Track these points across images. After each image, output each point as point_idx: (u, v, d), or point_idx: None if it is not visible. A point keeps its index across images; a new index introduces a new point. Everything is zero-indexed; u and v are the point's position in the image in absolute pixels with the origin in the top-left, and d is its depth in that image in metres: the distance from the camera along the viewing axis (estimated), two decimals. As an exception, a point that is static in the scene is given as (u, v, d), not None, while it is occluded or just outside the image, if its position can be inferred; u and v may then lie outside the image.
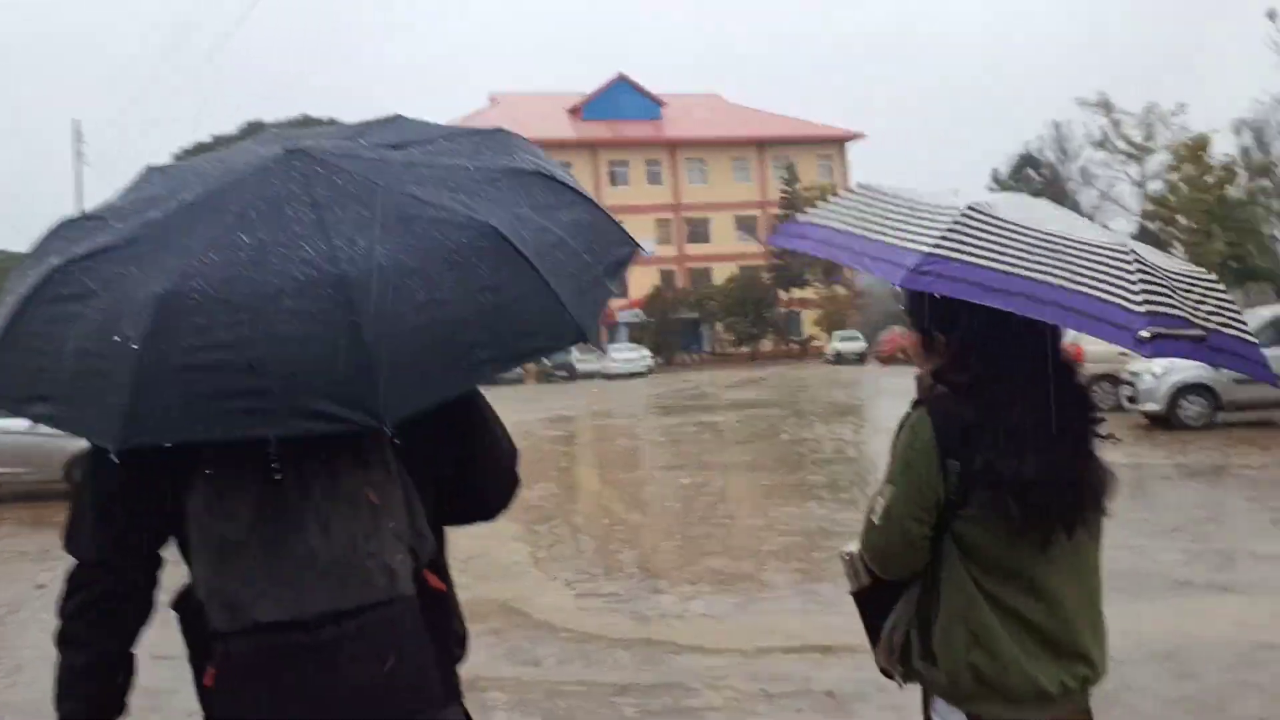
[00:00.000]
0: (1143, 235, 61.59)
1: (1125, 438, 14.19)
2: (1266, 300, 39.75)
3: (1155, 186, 60.24)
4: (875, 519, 2.00)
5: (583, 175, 67.61)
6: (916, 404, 2.03)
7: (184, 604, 1.65)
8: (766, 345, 62.60)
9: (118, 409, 1.40)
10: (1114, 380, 17.77)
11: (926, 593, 2.01)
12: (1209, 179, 42.15)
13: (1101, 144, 61.86)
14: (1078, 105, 64.44)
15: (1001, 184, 70.92)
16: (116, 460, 1.41)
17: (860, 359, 48.94)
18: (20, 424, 13.92)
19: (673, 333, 60.96)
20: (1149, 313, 1.79)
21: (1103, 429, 2.04)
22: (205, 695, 1.62)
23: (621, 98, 70.57)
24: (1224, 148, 46.89)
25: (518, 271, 1.52)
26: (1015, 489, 1.89)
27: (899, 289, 1.94)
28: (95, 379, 1.44)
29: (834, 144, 72.57)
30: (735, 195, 69.11)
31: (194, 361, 1.41)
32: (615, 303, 65.13)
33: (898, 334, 47.20)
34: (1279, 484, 9.78)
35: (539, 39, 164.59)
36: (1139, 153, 60.48)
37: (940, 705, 2.03)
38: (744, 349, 62.23)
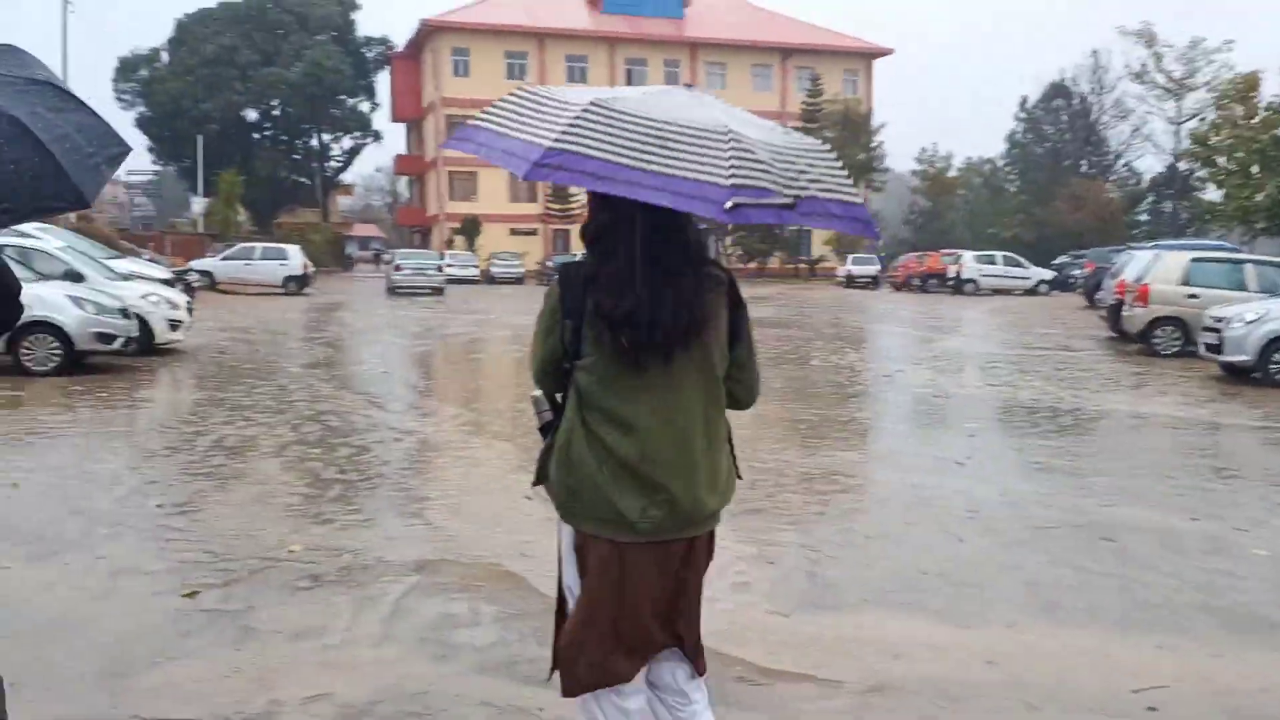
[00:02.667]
0: (1173, 176, 59.50)
1: (1205, 392, 12.51)
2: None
3: (1192, 125, 57.84)
4: (530, 348, 2.57)
5: (598, 70, 65.08)
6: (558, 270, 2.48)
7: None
8: (773, 263, 60.74)
9: None
10: (1180, 324, 16.13)
11: (557, 428, 2.46)
12: (1255, 121, 39.73)
13: (1139, 77, 59.24)
14: (1119, 35, 61.76)
15: (1029, 113, 68.33)
16: None
17: (873, 283, 47.16)
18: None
19: (679, 243, 58.96)
20: (734, 185, 2.10)
21: (715, 274, 2.43)
22: None
23: (643, -9, 67.30)
24: (1271, 89, 44.46)
25: (37, 152, 2.07)
26: (615, 321, 2.28)
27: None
28: None
29: (861, 58, 69.64)
30: (754, 104, 65.78)
31: None
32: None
33: (913, 260, 45.67)
34: None
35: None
36: (1178, 89, 57.93)
37: (560, 524, 2.52)
38: (752, 265, 60.38)
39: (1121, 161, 64.48)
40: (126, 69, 67.42)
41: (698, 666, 2.54)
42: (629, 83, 64.48)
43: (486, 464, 7.69)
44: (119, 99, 68.04)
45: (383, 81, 72.51)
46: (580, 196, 60.70)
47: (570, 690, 2.46)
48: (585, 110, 2.18)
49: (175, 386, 12.07)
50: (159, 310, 14.44)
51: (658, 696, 2.54)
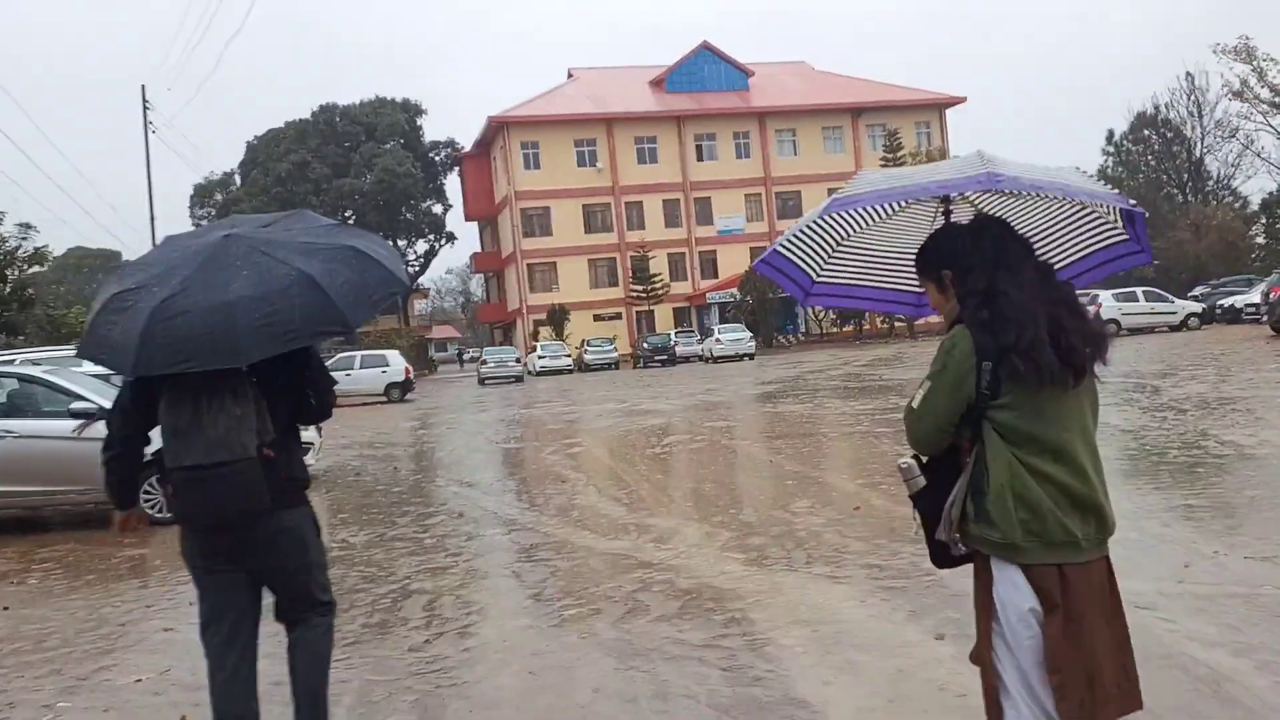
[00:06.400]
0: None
1: None
2: None
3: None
4: (914, 405, 2.61)
5: (668, 150, 63.77)
6: (954, 324, 2.61)
7: (159, 455, 3.35)
8: (868, 325, 58.00)
9: (130, 357, 3.14)
10: None
11: (977, 472, 2.52)
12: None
13: (1240, 95, 56.01)
14: (1214, 54, 58.66)
15: (1116, 145, 65.35)
16: (131, 383, 3.41)
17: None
18: (63, 427, 10.35)
19: (770, 313, 56.60)
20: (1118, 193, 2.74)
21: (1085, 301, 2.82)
22: (168, 496, 3.38)
23: (706, 68, 66.28)
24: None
25: (317, 295, 3.16)
26: (1028, 349, 2.44)
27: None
28: (125, 344, 3.15)
29: (932, 109, 67.63)
30: (828, 166, 64.49)
31: (160, 336, 3.11)
32: (705, 283, 61.38)
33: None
34: None
35: (616, 11, 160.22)
36: (1286, 102, 54.51)
37: (996, 564, 2.53)
38: (847, 328, 57.77)
39: (1224, 185, 60.92)
40: (202, 195, 67.99)
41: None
42: (699, 157, 63.35)
43: (856, 622, 5.27)
44: (196, 225, 68.53)
45: (452, 184, 72.27)
46: (662, 276, 59.02)
47: None
48: (979, 151, 2.75)
49: (331, 524, 9.87)
50: (289, 433, 12.40)
51: None
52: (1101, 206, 2.84)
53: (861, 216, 3.14)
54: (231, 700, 3.45)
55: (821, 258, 3.26)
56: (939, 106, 67.87)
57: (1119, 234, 2.90)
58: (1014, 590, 2.49)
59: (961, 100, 68.12)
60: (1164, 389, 15.70)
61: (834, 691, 4.24)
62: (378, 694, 4.60)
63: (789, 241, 3.18)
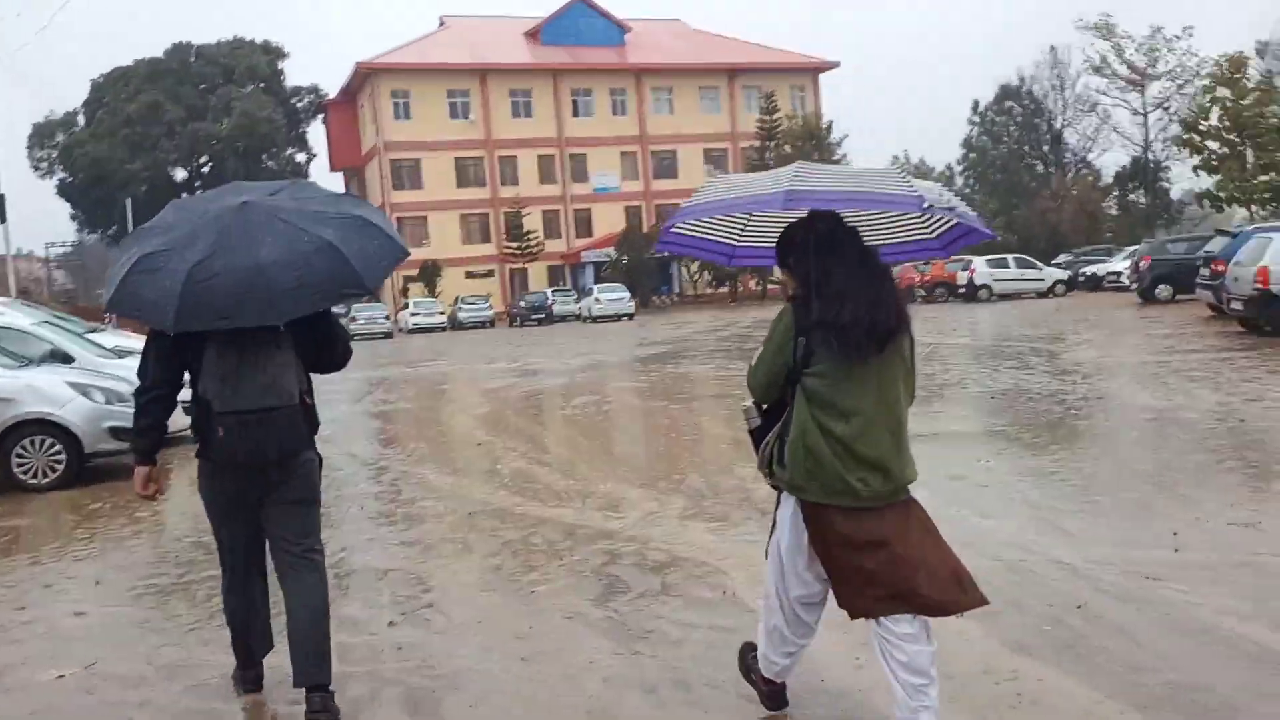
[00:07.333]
0: (1139, 168, 58.71)
1: None
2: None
3: (1157, 115, 57.36)
4: (751, 365, 3.25)
5: (543, 104, 62.62)
6: (788, 301, 3.15)
7: (196, 400, 3.61)
8: (743, 289, 58.43)
9: (171, 314, 3.37)
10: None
11: (785, 423, 3.15)
12: (1247, 101, 38.51)
13: (1099, 70, 58.38)
14: (1077, 30, 60.90)
15: (982, 115, 67.36)
16: (171, 335, 3.50)
17: (865, 299, 44.81)
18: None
19: (645, 273, 56.39)
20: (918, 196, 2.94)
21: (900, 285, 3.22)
22: (217, 442, 3.59)
23: (581, 20, 65.11)
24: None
25: (339, 260, 3.47)
26: (836, 328, 2.98)
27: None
28: (162, 302, 3.39)
29: (807, 74, 68.28)
30: (704, 127, 64.57)
31: (197, 295, 3.35)
32: (579, 242, 60.72)
33: (910, 269, 43.39)
34: None
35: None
36: (1140, 79, 57.13)
37: (784, 498, 3.24)
38: (722, 289, 58.09)
39: (1081, 158, 63.57)
40: (42, 135, 63.34)
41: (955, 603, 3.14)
42: (575, 113, 62.41)
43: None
44: (35, 167, 63.86)
45: (316, 132, 69.31)
46: (537, 234, 58.05)
47: (856, 615, 3.19)
48: (798, 169, 3.18)
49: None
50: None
51: (908, 682, 3.08)
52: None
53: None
54: (249, 603, 3.95)
55: (736, 231, 3.71)
56: (813, 71, 68.51)
57: (946, 222, 3.31)
58: (787, 519, 3.21)
59: (835, 65, 68.92)
60: (1058, 353, 16.11)
61: (870, 675, 3.94)
62: (356, 688, 4.07)
63: (688, 225, 3.61)
